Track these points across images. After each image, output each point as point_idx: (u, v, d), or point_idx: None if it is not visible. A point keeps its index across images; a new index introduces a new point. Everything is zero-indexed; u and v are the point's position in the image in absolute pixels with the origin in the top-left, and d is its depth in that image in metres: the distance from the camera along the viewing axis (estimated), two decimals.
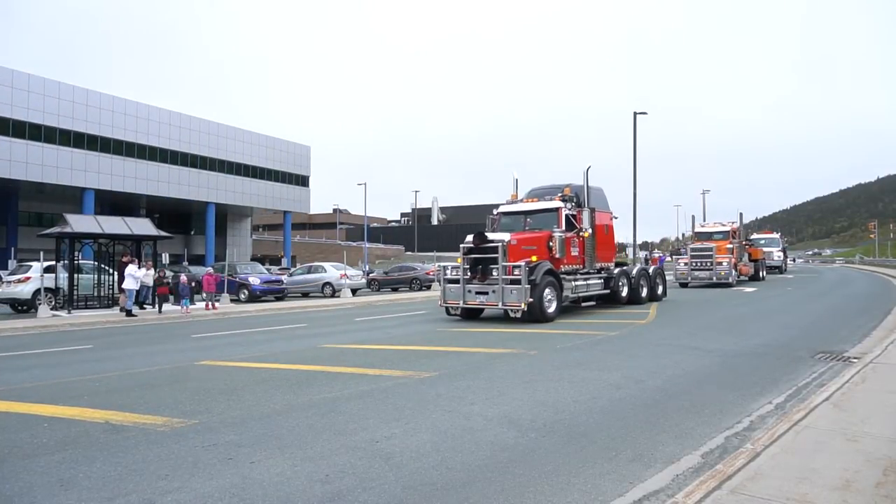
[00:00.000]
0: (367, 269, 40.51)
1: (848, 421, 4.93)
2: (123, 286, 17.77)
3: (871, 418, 4.98)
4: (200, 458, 4.49)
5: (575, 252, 15.31)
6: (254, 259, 54.18)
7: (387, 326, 14.02)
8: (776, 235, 46.91)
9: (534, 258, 13.70)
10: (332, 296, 27.25)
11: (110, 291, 20.17)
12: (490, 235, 14.11)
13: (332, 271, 28.48)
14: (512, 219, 16.01)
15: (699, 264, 27.25)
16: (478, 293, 13.89)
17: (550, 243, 14.41)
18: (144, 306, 19.75)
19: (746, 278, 30.64)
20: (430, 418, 5.54)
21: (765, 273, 33.65)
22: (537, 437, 4.93)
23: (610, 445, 4.72)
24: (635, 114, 36.83)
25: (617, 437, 4.91)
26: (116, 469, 4.30)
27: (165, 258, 22.62)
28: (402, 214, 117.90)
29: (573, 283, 14.96)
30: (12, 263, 30.70)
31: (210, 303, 20.28)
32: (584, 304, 15.82)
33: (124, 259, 18.74)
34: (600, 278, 16.45)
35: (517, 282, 13.14)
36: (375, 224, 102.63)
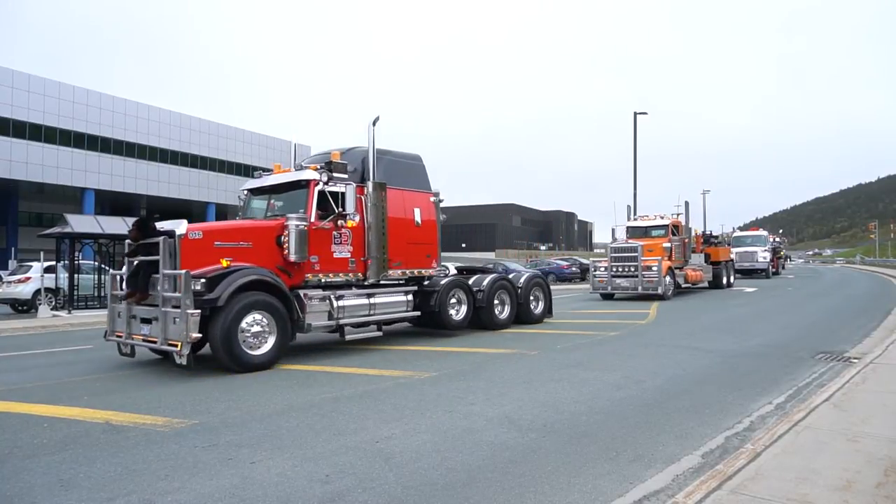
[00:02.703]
0: None
1: (848, 421, 4.93)
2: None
3: (871, 418, 4.98)
4: (200, 459, 4.49)
5: (343, 252, 9.79)
6: None
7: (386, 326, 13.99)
8: (763, 233, 39.18)
9: (224, 263, 8.12)
10: None
11: None
12: (160, 225, 8.59)
13: None
14: (262, 200, 10.61)
15: (621, 269, 20.47)
16: (143, 320, 8.34)
17: (282, 238, 8.97)
18: None
19: (705, 285, 24.87)
20: (431, 418, 5.54)
21: (732, 279, 27.18)
22: (538, 438, 4.93)
23: (610, 446, 4.71)
24: (636, 114, 36.87)
25: (617, 438, 4.91)
26: (116, 469, 4.29)
27: None
28: None
29: (336, 302, 9.45)
30: (12, 263, 30.69)
31: None
32: (348, 338, 9.79)
33: None
34: (405, 293, 10.90)
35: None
36: None
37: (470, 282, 12.09)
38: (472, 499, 3.71)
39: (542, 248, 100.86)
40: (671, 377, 7.34)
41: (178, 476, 4.13)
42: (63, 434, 5.23)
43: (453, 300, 11.60)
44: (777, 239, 49.67)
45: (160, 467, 4.31)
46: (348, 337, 9.77)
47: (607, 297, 21.31)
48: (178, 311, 7.66)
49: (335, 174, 9.70)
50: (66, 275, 19.16)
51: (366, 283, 10.25)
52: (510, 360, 8.74)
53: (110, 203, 45.69)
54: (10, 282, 20.96)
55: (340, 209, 9.59)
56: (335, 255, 9.75)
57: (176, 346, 7.60)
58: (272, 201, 10.35)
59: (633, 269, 20.28)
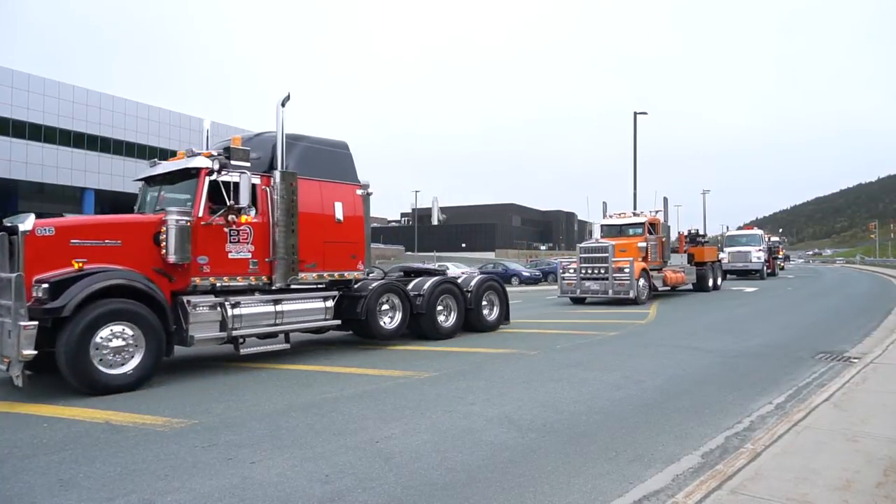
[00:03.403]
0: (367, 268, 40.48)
1: (848, 421, 4.93)
2: None
3: (871, 418, 4.99)
4: (200, 459, 4.49)
5: (242, 252, 8.47)
6: None
7: None
8: (758, 232, 37.14)
9: (76, 265, 6.94)
10: None
11: None
12: (7, 220, 7.41)
13: None
14: (157, 191, 9.08)
15: (591, 272, 18.78)
16: None
17: (161, 235, 7.71)
18: None
19: (689, 287, 23.20)
20: (430, 418, 5.55)
21: (720, 281, 25.59)
22: (537, 438, 4.93)
23: (610, 446, 4.72)
24: (635, 114, 36.84)
25: (617, 438, 4.91)
26: (116, 469, 4.29)
27: None
28: (403, 214, 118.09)
29: (231, 310, 8.11)
30: None
31: None
32: (244, 351, 8.39)
33: None
34: (323, 298, 9.46)
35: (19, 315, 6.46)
36: (376, 224, 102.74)
37: (410, 286, 10.88)
38: (472, 499, 3.72)
39: (542, 248, 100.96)
40: (671, 377, 7.34)
41: (178, 476, 4.14)
42: (63, 434, 5.23)
43: (385, 306, 10.37)
44: (774, 238, 48.42)
45: (160, 467, 4.31)
46: (244, 350, 8.38)
47: (577, 301, 19.52)
48: (7, 322, 6.45)
49: (234, 161, 8.31)
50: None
51: (274, 288, 8.88)
52: (510, 360, 8.74)
53: (110, 203, 45.67)
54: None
55: (233, 202, 8.21)
56: (231, 256, 8.44)
57: (6, 363, 6.44)
58: (162, 193, 8.93)
59: (603, 272, 18.51)
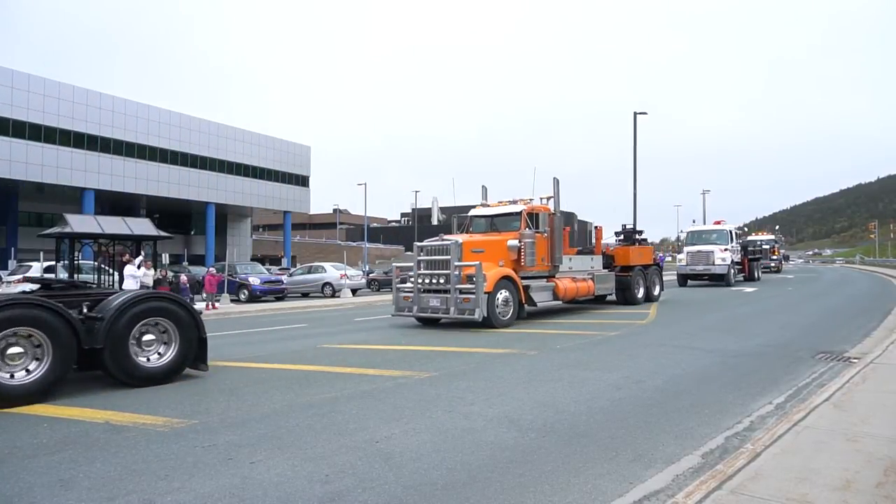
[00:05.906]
0: (367, 269, 40.55)
1: (848, 421, 4.92)
2: (123, 287, 17.79)
3: (871, 418, 4.99)
4: (200, 459, 4.49)
5: None
6: (254, 259, 54.21)
7: (386, 326, 14.01)
8: (726, 227, 29.97)
9: None
10: (332, 296, 27.31)
11: None
12: None
13: (332, 271, 28.59)
14: None
15: (431, 281, 13.13)
16: None
17: None
18: None
19: (612, 297, 17.94)
20: (430, 418, 5.54)
21: (656, 290, 19.25)
22: (537, 438, 4.93)
23: (610, 446, 4.71)
24: (635, 114, 36.79)
25: (617, 438, 4.91)
26: (116, 469, 4.29)
27: (165, 258, 22.65)
28: (402, 214, 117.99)
29: None
30: (12, 263, 30.70)
31: (210, 303, 20.30)
32: None
33: (125, 259, 18.79)
34: None
35: None
36: (375, 224, 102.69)
37: None
38: (472, 499, 3.72)
39: None
40: (671, 377, 7.34)
41: (178, 476, 4.13)
42: (63, 434, 5.23)
43: None
44: (768, 236, 43.51)
45: (160, 467, 4.31)
46: None
47: (427, 321, 13.87)
48: None
49: None
50: (66, 275, 19.16)
51: None
52: (510, 359, 8.73)
53: (110, 203, 45.68)
54: (9, 282, 20.96)
55: None
56: None
57: None
58: None
59: (442, 282, 12.93)
